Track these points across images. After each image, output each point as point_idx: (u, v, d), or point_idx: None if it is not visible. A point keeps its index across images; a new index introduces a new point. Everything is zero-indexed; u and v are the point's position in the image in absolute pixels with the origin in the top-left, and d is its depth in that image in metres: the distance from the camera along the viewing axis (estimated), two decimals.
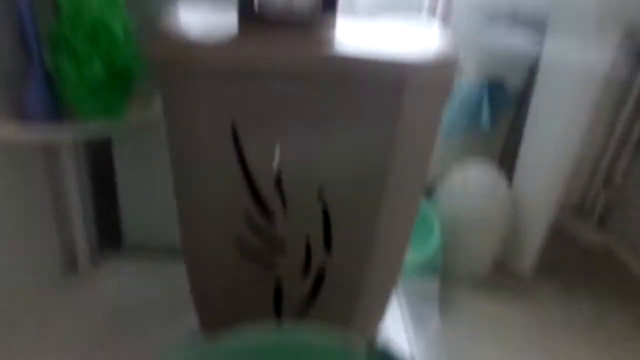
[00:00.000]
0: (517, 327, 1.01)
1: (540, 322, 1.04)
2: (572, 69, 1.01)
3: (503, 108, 1.20)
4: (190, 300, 0.53)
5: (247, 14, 0.39)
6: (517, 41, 1.11)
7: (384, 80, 0.36)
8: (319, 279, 0.47)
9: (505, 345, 0.96)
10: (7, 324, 0.57)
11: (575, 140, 1.08)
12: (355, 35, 0.40)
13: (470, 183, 1.02)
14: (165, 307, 0.62)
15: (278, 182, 0.42)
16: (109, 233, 0.73)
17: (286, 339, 0.36)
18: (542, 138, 1.11)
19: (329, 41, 0.38)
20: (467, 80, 1.14)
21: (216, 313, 0.52)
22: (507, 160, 1.23)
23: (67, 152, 0.63)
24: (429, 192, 1.14)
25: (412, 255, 0.91)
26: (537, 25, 1.06)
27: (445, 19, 0.88)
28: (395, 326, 0.64)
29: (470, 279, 1.12)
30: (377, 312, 0.54)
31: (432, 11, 0.88)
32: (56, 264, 0.66)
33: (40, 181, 0.63)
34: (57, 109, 0.53)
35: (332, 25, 0.41)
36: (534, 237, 1.15)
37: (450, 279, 1.08)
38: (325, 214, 0.44)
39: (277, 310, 0.49)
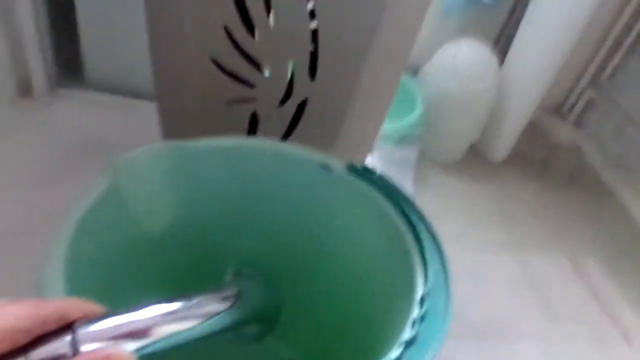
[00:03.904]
0: (481, 204, 1.06)
1: (503, 202, 1.10)
2: None
3: None
4: (155, 136, 0.49)
5: None
6: None
7: None
8: (300, 109, 0.44)
9: (468, 218, 1.01)
10: None
11: (575, 31, 1.03)
12: None
13: (461, 58, 0.97)
14: (130, 140, 0.58)
15: None
16: (68, 62, 0.67)
17: (262, 145, 0.33)
18: (543, 22, 1.05)
19: None
20: None
21: None
22: (503, 42, 1.18)
23: None
24: (417, 70, 1.09)
25: (393, 126, 0.89)
26: None
27: None
28: None
29: (446, 158, 1.13)
30: (358, 156, 0.52)
31: None
32: (8, 86, 0.61)
33: None
34: None
35: None
36: (512, 126, 1.14)
37: (426, 157, 1.09)
38: (315, 36, 0.40)
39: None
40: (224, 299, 0.26)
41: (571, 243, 1.03)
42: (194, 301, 0.24)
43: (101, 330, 0.19)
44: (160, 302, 0.22)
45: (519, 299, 0.88)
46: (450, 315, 0.24)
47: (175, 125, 0.49)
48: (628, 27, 1.25)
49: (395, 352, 0.21)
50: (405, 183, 0.81)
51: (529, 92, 1.08)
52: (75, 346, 0.18)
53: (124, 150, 0.30)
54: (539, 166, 1.27)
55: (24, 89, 0.62)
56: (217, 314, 0.25)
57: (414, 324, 0.23)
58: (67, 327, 0.19)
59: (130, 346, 0.20)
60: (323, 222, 0.34)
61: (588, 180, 1.25)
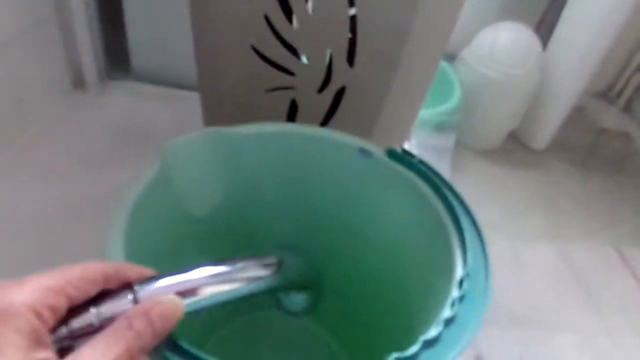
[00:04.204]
0: (521, 192, 1.03)
1: (544, 190, 1.06)
2: None
3: None
4: (198, 125, 0.51)
5: None
6: None
7: None
8: (339, 96, 0.45)
9: (506, 207, 0.99)
10: (14, 130, 0.57)
11: (623, 13, 0.98)
12: None
13: (500, 42, 0.95)
14: (174, 129, 0.61)
15: None
16: (116, 55, 0.70)
17: (302, 130, 0.34)
18: (588, 4, 1.00)
19: None
20: None
21: None
22: (545, 26, 1.13)
23: None
24: (455, 56, 1.07)
25: (430, 113, 0.88)
26: None
27: None
28: None
29: (484, 145, 1.11)
30: (395, 143, 0.52)
31: None
32: (63, 79, 0.64)
33: None
34: None
35: None
36: (555, 113, 1.10)
37: (464, 144, 1.08)
38: (353, 22, 0.40)
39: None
40: (266, 265, 0.27)
41: (617, 232, 0.99)
42: (238, 265, 0.26)
43: (157, 288, 0.21)
44: (206, 265, 0.24)
45: (560, 289, 0.86)
46: (490, 296, 0.24)
47: (217, 113, 0.51)
48: None
49: (435, 330, 0.22)
50: (443, 170, 0.80)
51: (574, 77, 1.04)
52: (136, 302, 0.20)
53: (168, 138, 0.31)
54: (583, 152, 1.22)
55: (77, 81, 0.66)
56: (259, 278, 0.27)
57: (453, 304, 0.23)
58: (126, 286, 0.21)
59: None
60: (362, 206, 0.35)
61: (636, 167, 1.20)
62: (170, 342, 0.20)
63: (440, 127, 0.88)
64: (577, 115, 1.23)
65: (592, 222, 1.01)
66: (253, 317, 0.43)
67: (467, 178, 1.03)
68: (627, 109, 1.33)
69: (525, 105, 1.06)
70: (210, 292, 0.23)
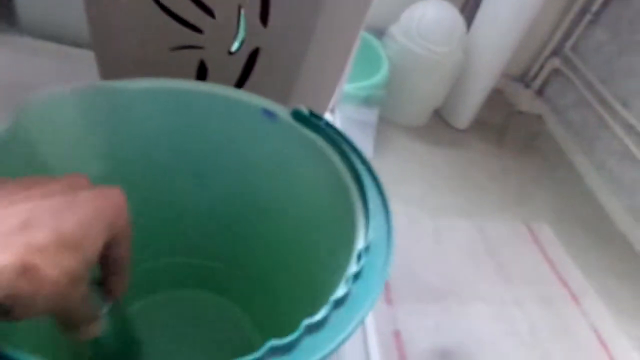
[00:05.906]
0: (442, 169, 1.06)
1: (463, 167, 1.10)
2: None
3: None
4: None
5: None
6: None
7: None
8: (252, 58, 0.41)
9: (429, 182, 1.01)
10: None
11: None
12: None
13: (427, 19, 0.95)
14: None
15: None
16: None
17: (199, 88, 0.30)
18: None
19: None
20: None
21: None
22: (470, 7, 1.16)
23: None
24: (384, 31, 1.06)
25: (356, 86, 0.87)
26: None
27: None
28: None
29: (409, 122, 1.13)
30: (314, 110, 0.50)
31: None
32: None
33: None
34: None
35: None
36: (476, 92, 1.14)
37: (390, 120, 1.08)
38: None
39: None
40: None
41: (527, 208, 1.05)
42: None
43: None
44: None
45: (475, 262, 0.90)
46: (387, 274, 0.22)
47: (115, 73, 0.45)
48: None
49: (321, 312, 0.20)
50: (366, 144, 0.80)
51: (493, 59, 1.07)
52: None
53: None
54: (500, 133, 1.28)
55: None
56: None
57: (347, 281, 0.21)
58: None
59: None
60: (266, 171, 0.32)
61: (547, 148, 1.28)
62: None
63: (366, 101, 0.87)
64: (496, 97, 1.28)
65: (505, 198, 1.06)
66: (154, 298, 0.39)
67: (392, 154, 1.04)
68: (541, 92, 1.41)
69: (449, 83, 1.08)
70: None
